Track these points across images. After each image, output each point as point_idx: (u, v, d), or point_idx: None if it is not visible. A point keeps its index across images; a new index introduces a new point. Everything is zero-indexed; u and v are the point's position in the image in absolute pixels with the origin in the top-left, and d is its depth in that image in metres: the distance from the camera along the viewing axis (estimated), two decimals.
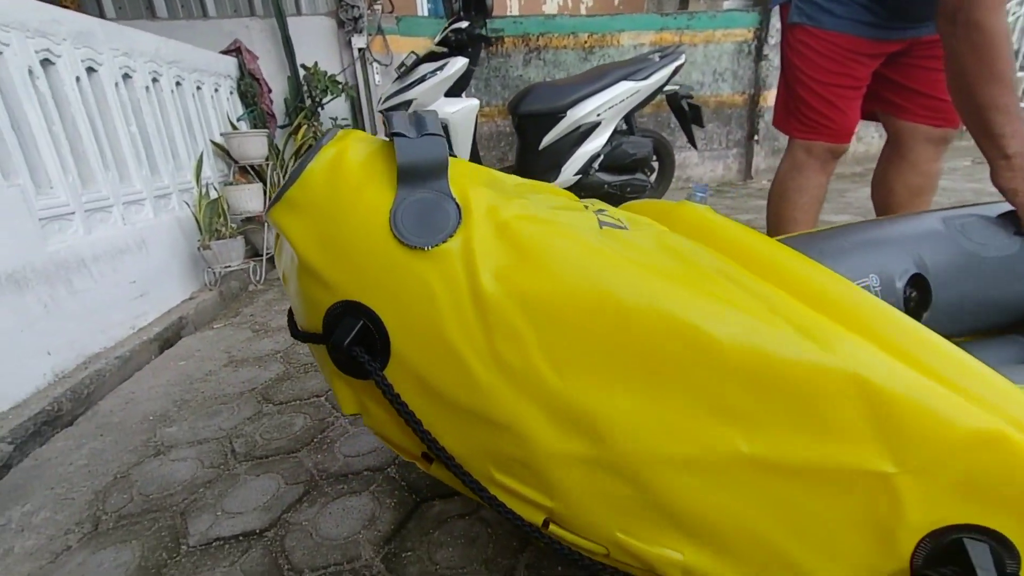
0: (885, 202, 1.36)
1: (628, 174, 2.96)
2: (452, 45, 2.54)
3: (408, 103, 2.54)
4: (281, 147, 2.88)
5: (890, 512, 0.37)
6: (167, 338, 1.69)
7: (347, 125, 3.48)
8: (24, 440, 1.15)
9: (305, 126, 3.06)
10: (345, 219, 0.40)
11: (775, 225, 1.35)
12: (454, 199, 0.41)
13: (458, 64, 2.50)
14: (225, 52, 2.99)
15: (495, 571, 0.79)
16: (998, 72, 0.82)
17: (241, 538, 0.89)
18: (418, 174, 0.40)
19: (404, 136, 0.40)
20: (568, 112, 2.77)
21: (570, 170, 2.85)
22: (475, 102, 2.64)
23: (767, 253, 0.43)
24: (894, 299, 0.86)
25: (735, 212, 3.28)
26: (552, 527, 0.45)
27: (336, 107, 3.45)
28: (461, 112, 2.59)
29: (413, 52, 2.71)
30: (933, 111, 1.29)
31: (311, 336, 0.46)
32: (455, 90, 2.61)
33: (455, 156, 2.22)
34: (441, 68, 2.50)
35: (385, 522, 0.90)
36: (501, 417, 0.40)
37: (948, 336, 0.48)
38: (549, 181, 2.85)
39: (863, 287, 0.84)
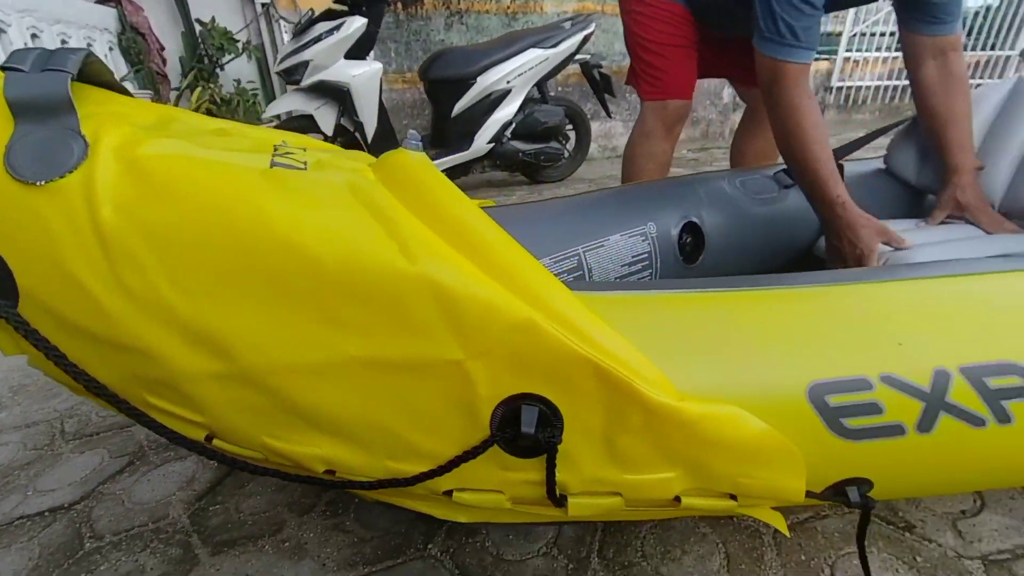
0: (737, 165, 1.44)
1: (542, 142, 2.96)
2: (350, 4, 2.42)
3: (305, 64, 2.41)
4: None
5: (467, 390, 0.45)
6: None
7: (253, 88, 3.27)
8: None
9: (200, 89, 2.86)
10: None
11: None
12: (82, 136, 0.41)
13: (356, 24, 2.39)
14: (101, 1, 2.72)
15: (296, 511, 0.82)
16: (968, 98, 0.97)
17: (47, 513, 0.85)
18: (36, 110, 0.39)
19: (17, 71, 0.39)
20: (478, 79, 2.72)
21: (483, 138, 2.82)
22: (378, 66, 2.54)
23: (450, 207, 0.45)
24: (669, 242, 0.99)
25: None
26: (216, 441, 0.49)
27: (240, 68, 3.23)
28: (363, 76, 2.49)
29: (311, 9, 2.56)
30: None
31: None
32: (357, 52, 2.49)
33: (359, 121, 2.12)
34: (337, 28, 2.38)
35: (203, 482, 0.89)
36: (136, 343, 0.43)
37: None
38: (463, 150, 2.83)
39: (642, 232, 0.96)
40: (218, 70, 3.06)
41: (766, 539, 0.72)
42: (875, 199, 1.11)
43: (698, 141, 4.20)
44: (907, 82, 1.03)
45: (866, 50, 4.27)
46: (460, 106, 2.76)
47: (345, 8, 2.42)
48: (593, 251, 0.91)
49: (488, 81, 2.72)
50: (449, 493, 0.53)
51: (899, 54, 4.27)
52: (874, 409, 0.49)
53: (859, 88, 4.41)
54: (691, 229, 1.02)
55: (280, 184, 0.44)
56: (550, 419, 0.47)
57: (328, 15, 2.43)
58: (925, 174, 1.09)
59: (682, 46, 1.24)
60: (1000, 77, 4.50)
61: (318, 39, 2.38)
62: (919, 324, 0.52)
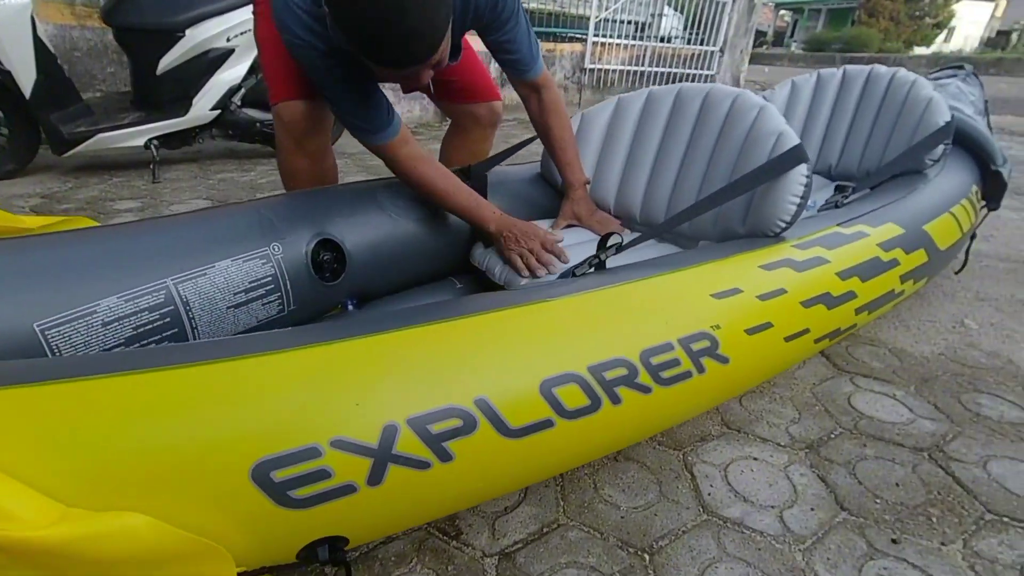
0: None
1: None
2: None
3: None
4: None
5: None
6: None
7: None
8: None
9: None
10: None
11: None
12: None
13: None
14: None
15: None
16: (569, 126, 1.19)
17: None
18: None
19: None
20: (187, 32, 2.30)
21: (203, 103, 2.43)
22: (26, 0, 1.95)
23: None
24: (302, 261, 0.92)
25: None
26: None
27: None
28: (1, 12, 1.89)
29: None
30: (474, 92, 1.35)
31: None
32: None
33: (6, 70, 1.55)
34: None
35: None
36: None
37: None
38: (178, 115, 2.40)
39: (263, 254, 0.88)
40: None
41: None
42: (531, 199, 1.31)
43: None
44: (648, 68, 1.25)
45: (611, 36, 4.80)
46: (166, 63, 2.32)
47: None
48: (189, 282, 0.80)
49: (201, 36, 2.32)
50: None
51: (641, 42, 4.91)
52: (323, 475, 0.49)
53: (608, 71, 4.97)
54: (330, 246, 0.97)
55: None
56: None
57: None
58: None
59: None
60: (708, 67, 5.51)
61: None
62: (375, 381, 0.54)
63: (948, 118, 1.31)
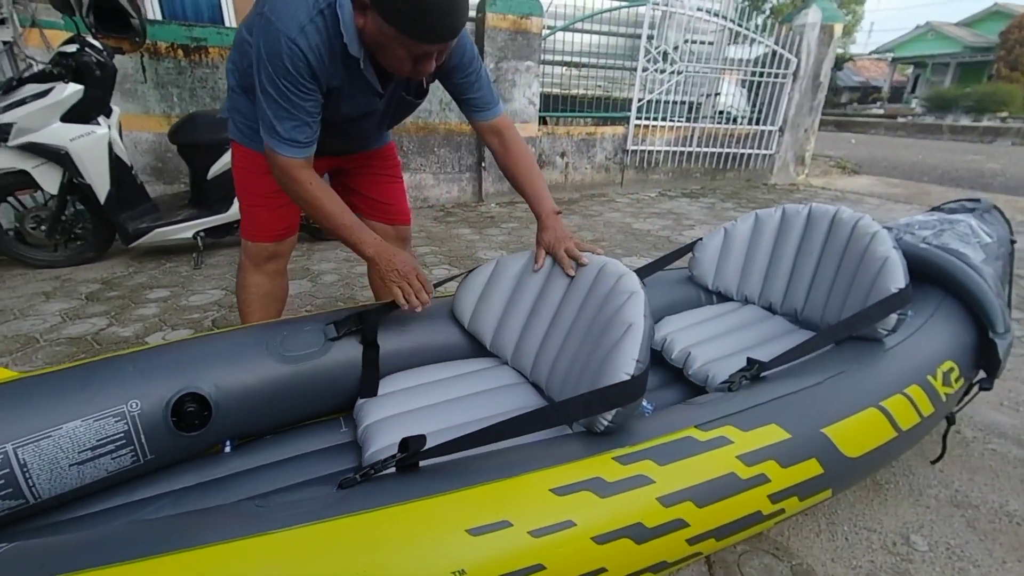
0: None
1: None
2: (66, 70, 2.32)
3: (9, 126, 2.28)
4: None
5: None
6: None
7: None
8: None
9: None
10: None
11: (243, 317, 1.46)
12: None
13: (67, 91, 2.30)
14: None
15: None
16: (531, 160, 1.28)
17: None
18: None
19: None
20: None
21: None
22: (103, 130, 2.45)
23: None
24: (161, 416, 0.96)
25: (469, 226, 3.51)
26: None
27: None
28: (84, 141, 2.40)
29: (30, 63, 2.42)
30: (384, 212, 1.53)
31: None
32: (78, 115, 2.39)
33: (87, 183, 1.99)
34: (46, 93, 2.28)
35: None
36: None
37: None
38: (222, 212, 2.81)
39: (118, 412, 0.92)
40: None
41: None
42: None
43: (507, 195, 4.47)
44: (696, 148, 1.45)
45: (654, 118, 4.81)
46: (215, 170, 2.75)
47: (60, 70, 2.32)
48: (30, 445, 0.84)
49: None
50: None
51: (685, 123, 4.86)
52: None
53: (651, 152, 4.94)
54: (195, 398, 0.99)
55: None
56: None
57: (41, 76, 2.32)
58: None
59: (266, 194, 1.28)
60: (767, 147, 5.27)
61: (22, 102, 2.26)
62: None
63: (902, 285, 1.13)
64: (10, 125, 2.27)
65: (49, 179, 2.45)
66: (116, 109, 2.66)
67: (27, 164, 2.39)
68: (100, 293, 2.43)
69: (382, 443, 0.98)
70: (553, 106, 4.61)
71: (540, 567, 0.71)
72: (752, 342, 1.36)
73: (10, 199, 2.57)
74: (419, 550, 0.68)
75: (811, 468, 0.94)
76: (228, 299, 2.37)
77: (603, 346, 0.93)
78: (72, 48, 2.31)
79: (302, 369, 1.11)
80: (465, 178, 4.39)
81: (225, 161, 2.72)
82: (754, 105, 5.15)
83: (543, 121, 4.61)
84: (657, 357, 1.39)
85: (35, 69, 2.46)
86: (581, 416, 0.85)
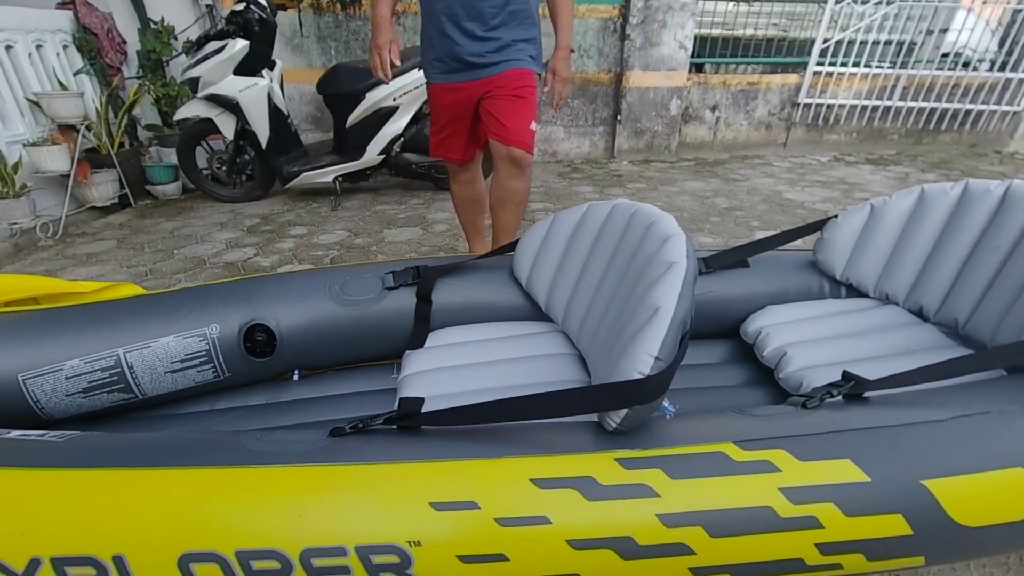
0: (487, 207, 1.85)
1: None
2: (234, 27, 2.64)
3: (196, 79, 2.70)
4: (101, 105, 3.05)
5: None
6: None
7: None
8: None
9: (138, 85, 3.23)
10: None
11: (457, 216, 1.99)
12: None
13: (236, 47, 2.62)
14: (62, 5, 3.12)
15: None
16: None
17: None
18: None
19: None
20: (367, 94, 2.89)
21: (374, 149, 3.01)
22: (264, 82, 2.77)
23: None
24: (234, 341, 1.10)
25: (593, 184, 3.39)
26: None
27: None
28: (250, 92, 2.74)
29: (211, 27, 2.80)
30: (501, 131, 1.62)
31: None
32: (247, 69, 2.73)
33: (251, 130, 2.47)
34: (220, 50, 2.62)
35: None
36: None
37: None
38: (356, 159, 3.05)
39: (201, 333, 1.08)
40: (165, 66, 3.41)
41: None
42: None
43: (642, 152, 4.11)
44: (899, 102, 1.29)
45: (842, 64, 3.90)
46: (352, 119, 2.96)
47: (234, 27, 2.65)
48: (135, 352, 1.01)
49: (376, 97, 2.88)
50: None
51: (888, 69, 3.86)
52: None
53: (832, 106, 4.05)
54: (262, 329, 1.12)
55: None
56: None
57: (220, 34, 2.68)
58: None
59: (452, 120, 1.68)
60: (1015, 103, 3.97)
61: (206, 58, 2.65)
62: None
63: None
64: (198, 79, 2.69)
65: (227, 126, 2.88)
66: (279, 63, 2.98)
67: (211, 113, 2.83)
68: (258, 226, 2.84)
69: (409, 396, 0.98)
70: (711, 51, 4.02)
71: (502, 557, 0.66)
72: (881, 352, 1.04)
73: (203, 144, 3.10)
74: (376, 513, 0.67)
75: (892, 525, 0.71)
76: (349, 240, 2.59)
77: (628, 329, 0.77)
78: (241, 6, 2.61)
79: (358, 313, 1.16)
80: (598, 132, 4.11)
81: (362, 109, 2.90)
82: (1005, 44, 3.86)
83: (697, 68, 4.05)
84: (749, 351, 1.19)
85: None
86: (581, 412, 0.74)
